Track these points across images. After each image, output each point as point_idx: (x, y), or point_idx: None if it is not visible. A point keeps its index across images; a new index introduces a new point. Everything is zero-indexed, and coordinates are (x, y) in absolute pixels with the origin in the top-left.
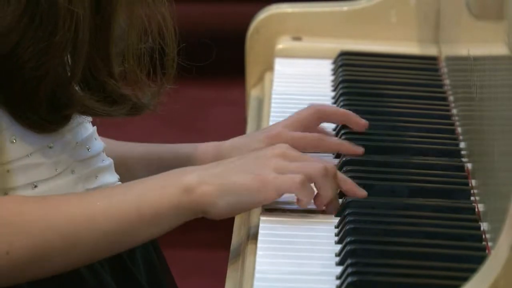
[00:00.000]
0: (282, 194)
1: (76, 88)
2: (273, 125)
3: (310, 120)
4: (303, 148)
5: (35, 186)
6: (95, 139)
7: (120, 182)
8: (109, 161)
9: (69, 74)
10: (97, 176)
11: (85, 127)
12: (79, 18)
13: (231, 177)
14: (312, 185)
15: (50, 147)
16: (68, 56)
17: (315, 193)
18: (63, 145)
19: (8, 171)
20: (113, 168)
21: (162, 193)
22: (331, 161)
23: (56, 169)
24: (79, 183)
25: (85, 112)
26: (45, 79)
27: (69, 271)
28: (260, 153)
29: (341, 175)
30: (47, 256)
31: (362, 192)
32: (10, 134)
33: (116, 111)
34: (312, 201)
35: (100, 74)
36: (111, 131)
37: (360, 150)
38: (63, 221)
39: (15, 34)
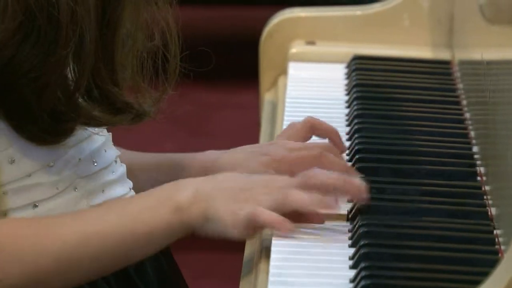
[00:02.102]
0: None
1: (79, 99)
2: (273, 144)
3: (305, 132)
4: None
5: (36, 206)
6: (105, 150)
7: (132, 191)
8: (120, 171)
9: (72, 85)
10: (103, 190)
11: (93, 140)
12: (84, 31)
13: (216, 203)
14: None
15: (51, 166)
16: (71, 67)
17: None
18: (65, 162)
19: (4, 193)
20: (125, 177)
21: (155, 213)
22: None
23: (57, 188)
24: (83, 200)
25: (88, 123)
26: (45, 91)
27: None
28: (253, 183)
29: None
30: (42, 280)
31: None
32: (8, 155)
33: (120, 120)
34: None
35: (104, 83)
36: (119, 134)
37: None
38: (56, 245)
39: (8, 50)
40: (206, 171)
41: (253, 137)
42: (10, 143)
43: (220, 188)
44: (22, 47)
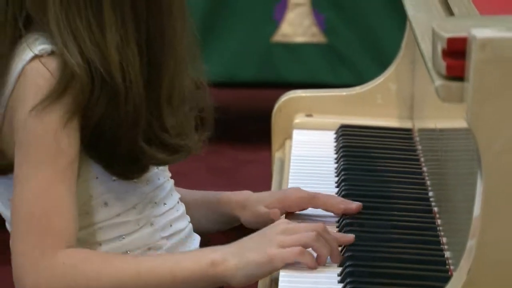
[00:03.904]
0: (287, 263)
1: (144, 144)
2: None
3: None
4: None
5: (123, 238)
6: (171, 194)
7: (190, 224)
8: (182, 209)
9: (135, 136)
10: (171, 225)
11: (163, 188)
12: (136, 99)
13: (245, 255)
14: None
15: (134, 208)
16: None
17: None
18: (144, 205)
19: (101, 228)
20: (185, 214)
21: (194, 262)
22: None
23: (139, 224)
24: (157, 233)
25: (152, 162)
26: (120, 141)
27: None
28: (267, 231)
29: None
30: None
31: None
32: (103, 200)
33: (176, 158)
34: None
35: (157, 132)
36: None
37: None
38: (115, 273)
39: (98, 112)
40: (242, 205)
41: (268, 184)
42: (107, 191)
43: (245, 246)
44: (108, 110)
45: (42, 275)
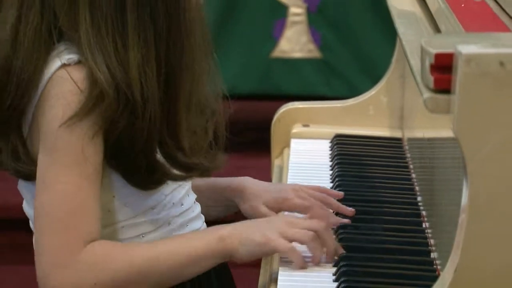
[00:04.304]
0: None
1: (160, 159)
2: (287, 192)
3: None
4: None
5: (143, 236)
6: (188, 195)
7: (204, 224)
8: (197, 210)
9: (151, 150)
10: (187, 225)
11: (181, 189)
12: (152, 111)
13: (249, 233)
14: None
15: (153, 209)
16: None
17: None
18: (163, 206)
19: (123, 227)
20: (200, 214)
21: (205, 241)
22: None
23: (157, 223)
24: (174, 231)
25: (168, 178)
26: (137, 154)
27: None
28: (275, 218)
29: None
30: (127, 285)
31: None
32: (125, 201)
33: (191, 176)
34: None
35: (172, 151)
36: None
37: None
38: (140, 260)
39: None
40: (240, 195)
41: None
42: (128, 193)
43: (249, 226)
44: (127, 124)
45: (68, 273)
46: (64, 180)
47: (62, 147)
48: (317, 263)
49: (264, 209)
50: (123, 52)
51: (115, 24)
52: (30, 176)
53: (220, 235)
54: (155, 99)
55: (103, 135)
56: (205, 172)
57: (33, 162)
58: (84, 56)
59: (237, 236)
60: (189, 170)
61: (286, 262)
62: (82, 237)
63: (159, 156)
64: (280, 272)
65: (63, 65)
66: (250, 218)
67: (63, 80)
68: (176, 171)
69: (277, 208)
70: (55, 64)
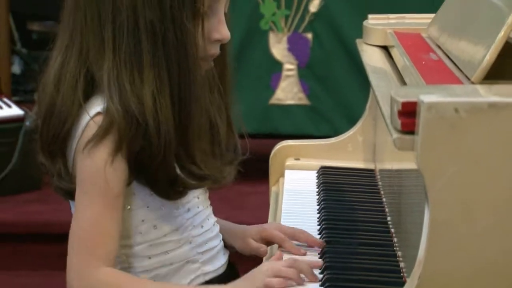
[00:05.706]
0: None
1: (179, 173)
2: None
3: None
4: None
5: (168, 253)
6: (208, 219)
7: (222, 242)
8: (216, 230)
9: (169, 166)
10: (206, 243)
11: (202, 214)
12: (166, 134)
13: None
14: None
15: (177, 230)
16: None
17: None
18: (185, 228)
19: (151, 245)
20: (219, 233)
21: None
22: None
23: (180, 242)
24: (194, 249)
25: (186, 186)
26: (157, 170)
27: None
28: (255, 272)
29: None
30: None
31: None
32: (154, 224)
33: (204, 184)
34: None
35: (186, 164)
36: None
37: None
38: None
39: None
40: (235, 237)
41: (266, 210)
42: (156, 217)
43: (238, 285)
44: (144, 145)
45: (83, 284)
46: (90, 208)
47: (88, 177)
48: (298, 282)
49: (253, 242)
50: (139, 85)
51: (134, 62)
52: (69, 194)
53: None
54: (169, 124)
55: (125, 159)
56: (216, 183)
57: (71, 180)
58: (104, 93)
59: None
60: (202, 179)
61: None
62: (99, 258)
63: (178, 171)
64: None
65: (91, 118)
66: (246, 254)
67: (89, 128)
68: (190, 181)
69: (260, 238)
70: (85, 118)
